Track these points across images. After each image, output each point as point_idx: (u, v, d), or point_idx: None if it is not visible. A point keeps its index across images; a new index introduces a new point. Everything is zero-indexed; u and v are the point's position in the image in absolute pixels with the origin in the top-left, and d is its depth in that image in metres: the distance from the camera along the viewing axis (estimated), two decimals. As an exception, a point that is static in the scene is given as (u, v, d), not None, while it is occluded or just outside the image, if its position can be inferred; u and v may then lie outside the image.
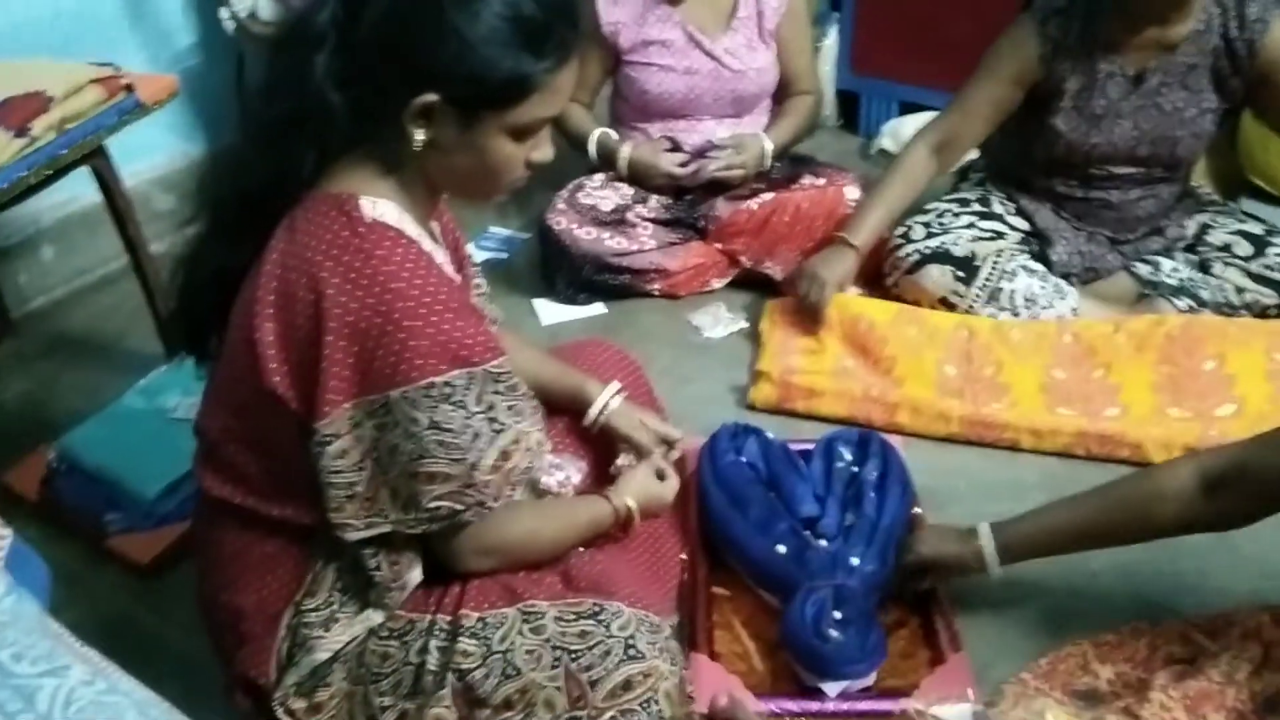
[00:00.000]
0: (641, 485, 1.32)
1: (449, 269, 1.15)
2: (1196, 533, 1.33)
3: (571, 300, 2.20)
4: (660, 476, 1.35)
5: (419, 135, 1.02)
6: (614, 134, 2.25)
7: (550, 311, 2.16)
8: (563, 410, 1.44)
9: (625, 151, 2.20)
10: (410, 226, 1.05)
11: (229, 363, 1.10)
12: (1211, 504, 1.24)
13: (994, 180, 2.11)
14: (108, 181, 1.81)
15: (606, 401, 1.41)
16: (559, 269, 2.19)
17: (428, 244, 1.07)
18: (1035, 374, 1.86)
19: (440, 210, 1.23)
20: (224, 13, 2.26)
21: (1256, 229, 2.01)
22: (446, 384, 1.00)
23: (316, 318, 0.99)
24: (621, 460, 1.44)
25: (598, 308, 2.20)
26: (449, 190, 1.13)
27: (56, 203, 2.23)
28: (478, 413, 1.02)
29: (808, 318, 1.98)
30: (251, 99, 1.10)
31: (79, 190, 2.08)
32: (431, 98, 0.99)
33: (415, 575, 1.13)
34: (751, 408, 1.89)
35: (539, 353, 1.46)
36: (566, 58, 1.03)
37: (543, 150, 1.09)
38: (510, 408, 1.05)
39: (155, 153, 2.43)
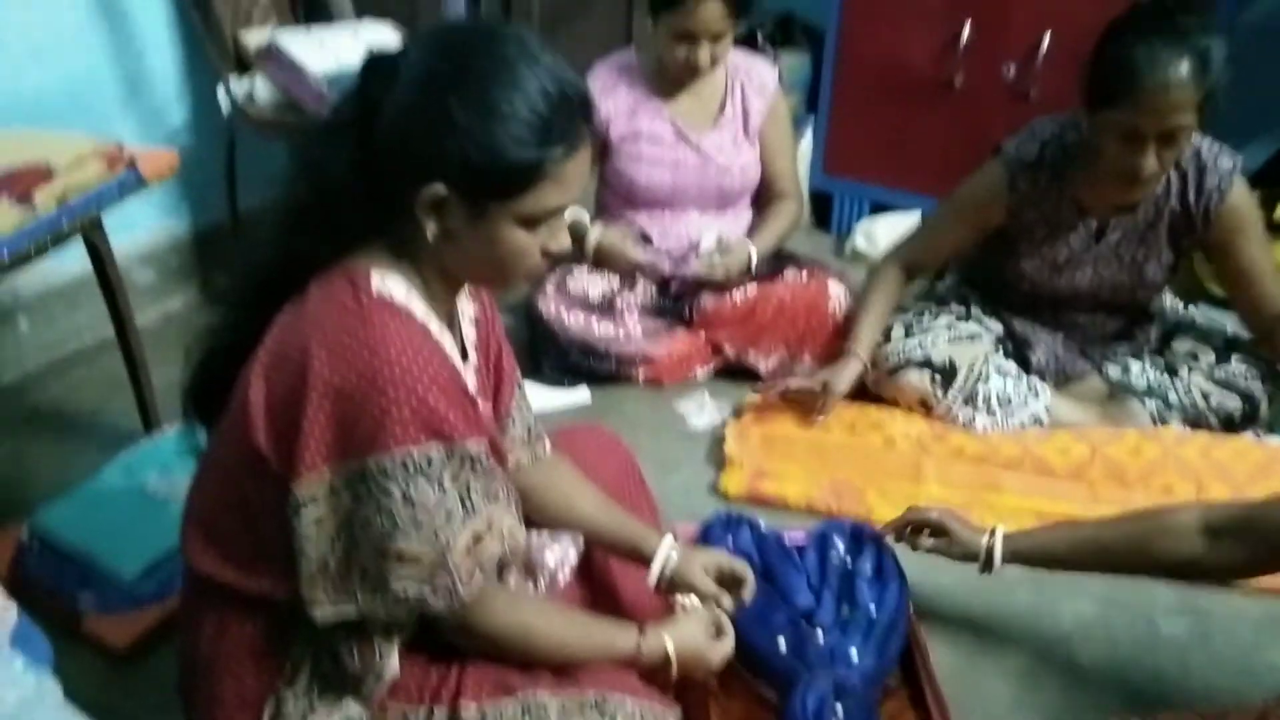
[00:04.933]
0: (690, 636, 1.22)
1: (464, 366, 1.15)
2: (1190, 577, 1.42)
3: (558, 384, 2.21)
4: (718, 631, 1.27)
5: (430, 225, 1.02)
6: (586, 217, 2.28)
7: (536, 396, 2.16)
8: (623, 559, 1.38)
9: (594, 236, 2.23)
10: (418, 306, 1.06)
11: (224, 428, 1.10)
12: (1211, 548, 1.31)
13: (969, 284, 2.19)
14: (101, 254, 1.80)
15: (667, 557, 1.32)
16: (546, 352, 2.21)
17: (434, 326, 1.08)
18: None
19: (489, 319, 1.24)
20: (221, 93, 2.28)
21: (1217, 339, 2.11)
22: (424, 456, 0.99)
23: (302, 376, 0.99)
24: (684, 599, 1.35)
25: (583, 393, 2.22)
26: (466, 279, 1.13)
27: (35, 275, 2.19)
28: (451, 491, 1.01)
29: (801, 416, 2.06)
30: (288, 185, 1.10)
31: (59, 263, 2.06)
32: (440, 189, 1.00)
33: (391, 666, 1.10)
34: (723, 495, 1.92)
35: (599, 497, 1.37)
36: (575, 147, 1.03)
37: (559, 239, 1.09)
38: (485, 491, 1.05)
39: (137, 227, 2.42)
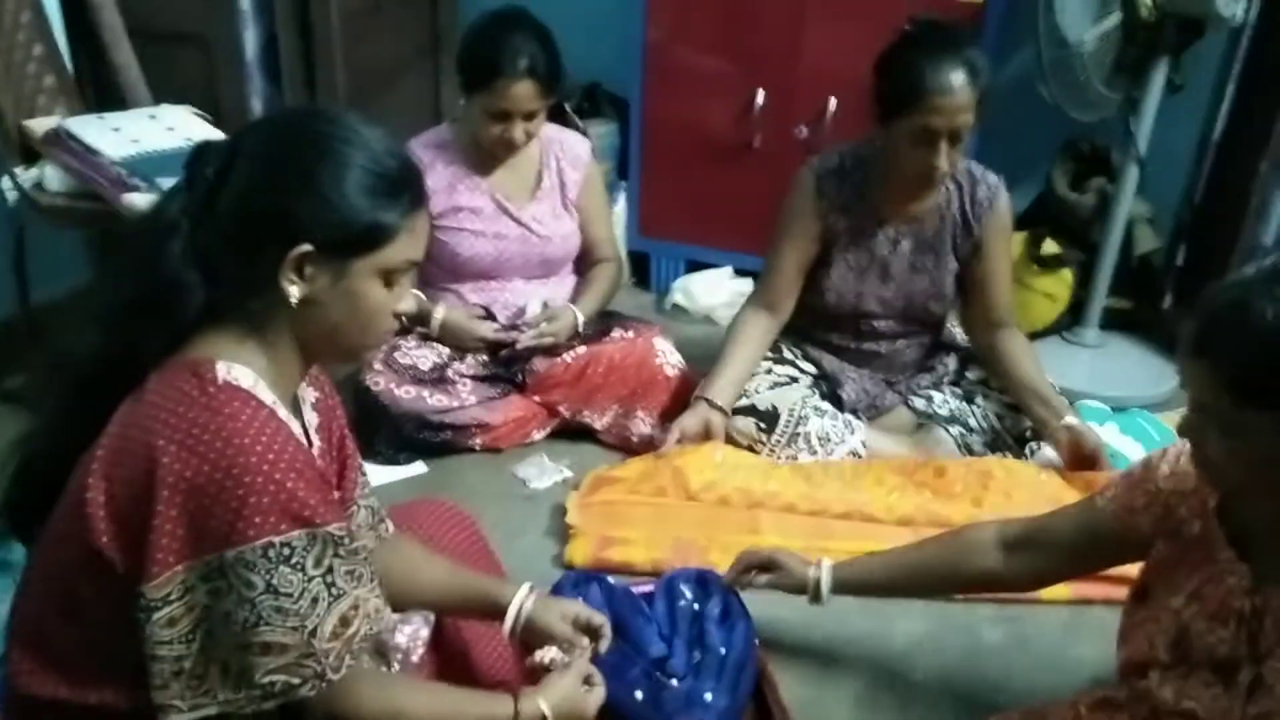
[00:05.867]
0: (564, 693, 1.23)
1: (314, 448, 1.15)
2: (996, 589, 1.58)
3: (393, 460, 2.18)
4: (589, 682, 1.28)
5: (294, 291, 1.03)
6: (423, 295, 2.30)
7: (373, 473, 2.11)
8: (478, 619, 1.39)
9: (439, 314, 2.26)
10: (266, 393, 1.05)
11: (54, 532, 1.05)
12: (1008, 562, 1.46)
13: (784, 331, 2.32)
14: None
15: (520, 606, 1.34)
16: (379, 429, 2.17)
17: (283, 412, 1.07)
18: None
19: (330, 405, 1.24)
20: (6, 183, 2.15)
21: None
22: (285, 544, 0.98)
23: (150, 473, 0.97)
24: (540, 654, 1.34)
25: (419, 467, 2.20)
26: (320, 349, 1.12)
27: None
28: (315, 576, 1.01)
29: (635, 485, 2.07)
30: (101, 285, 1.08)
31: None
32: (306, 248, 1.02)
33: None
34: (569, 567, 1.90)
35: (445, 564, 1.39)
36: (420, 202, 1.09)
37: (406, 300, 1.14)
38: (349, 572, 1.05)
39: (-85, 329, 2.24)
